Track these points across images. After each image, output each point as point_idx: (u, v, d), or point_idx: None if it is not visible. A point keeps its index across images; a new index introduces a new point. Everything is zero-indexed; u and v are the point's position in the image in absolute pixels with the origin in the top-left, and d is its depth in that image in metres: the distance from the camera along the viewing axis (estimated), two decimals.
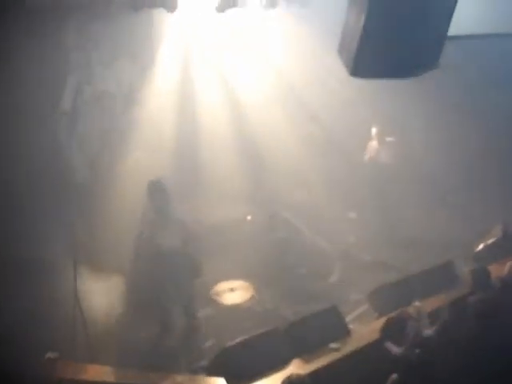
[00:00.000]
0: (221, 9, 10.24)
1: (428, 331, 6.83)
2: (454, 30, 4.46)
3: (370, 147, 12.72)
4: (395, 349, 6.67)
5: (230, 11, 10.43)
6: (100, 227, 10.76)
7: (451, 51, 4.90)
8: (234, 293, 9.31)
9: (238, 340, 7.03)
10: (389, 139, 12.50)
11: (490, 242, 9.82)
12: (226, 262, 10.71)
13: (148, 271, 8.78)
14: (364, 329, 7.90)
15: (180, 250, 8.66)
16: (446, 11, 4.28)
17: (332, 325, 7.59)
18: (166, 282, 8.68)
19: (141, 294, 9.40)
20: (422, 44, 4.23)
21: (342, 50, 4.22)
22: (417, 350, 6.48)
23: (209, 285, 9.59)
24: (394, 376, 6.35)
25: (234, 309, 9.16)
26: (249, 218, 12.16)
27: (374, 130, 12.63)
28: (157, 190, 8.80)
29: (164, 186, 8.88)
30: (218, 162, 12.37)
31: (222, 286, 9.54)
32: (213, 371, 6.63)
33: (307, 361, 6.96)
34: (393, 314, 7.28)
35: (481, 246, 9.81)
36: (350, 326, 7.83)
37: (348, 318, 8.80)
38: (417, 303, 7.34)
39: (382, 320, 7.44)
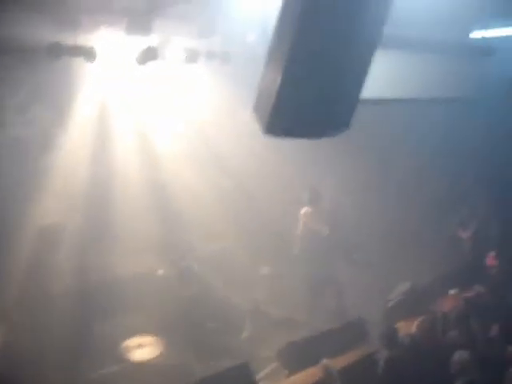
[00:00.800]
0: (141, 61, 10.27)
1: None
2: (366, 93, 4.65)
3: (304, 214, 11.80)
4: None
5: (150, 63, 10.50)
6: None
7: (364, 113, 5.10)
8: (142, 349, 9.06)
9: None
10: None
11: (399, 298, 10.00)
12: (136, 316, 10.46)
13: None
14: None
15: None
16: (359, 75, 4.46)
17: (242, 382, 7.49)
18: None
19: None
20: (334, 106, 4.37)
21: (257, 107, 4.29)
22: None
23: (117, 341, 9.31)
24: None
25: (143, 365, 8.90)
26: (160, 271, 11.96)
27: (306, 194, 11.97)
28: None
29: None
30: (131, 212, 12.22)
31: (131, 341, 9.27)
32: None
33: None
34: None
35: (390, 303, 9.99)
36: None
37: (259, 376, 8.72)
38: (325, 361, 7.36)
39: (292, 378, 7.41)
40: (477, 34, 9.61)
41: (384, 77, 6.73)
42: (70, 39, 10.21)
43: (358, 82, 4.48)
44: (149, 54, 10.14)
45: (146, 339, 9.37)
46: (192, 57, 11.24)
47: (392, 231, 12.21)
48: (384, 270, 11.57)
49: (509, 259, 10.03)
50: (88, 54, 10.57)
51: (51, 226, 11.24)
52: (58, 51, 10.19)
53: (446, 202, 12.19)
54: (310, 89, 4.07)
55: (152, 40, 10.29)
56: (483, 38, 9.21)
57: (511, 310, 9.09)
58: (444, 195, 12.44)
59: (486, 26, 9.22)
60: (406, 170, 12.95)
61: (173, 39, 11.33)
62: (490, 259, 10.17)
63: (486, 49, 9.04)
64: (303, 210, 11.36)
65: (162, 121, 13.28)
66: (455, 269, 10.80)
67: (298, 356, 8.18)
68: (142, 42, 10.15)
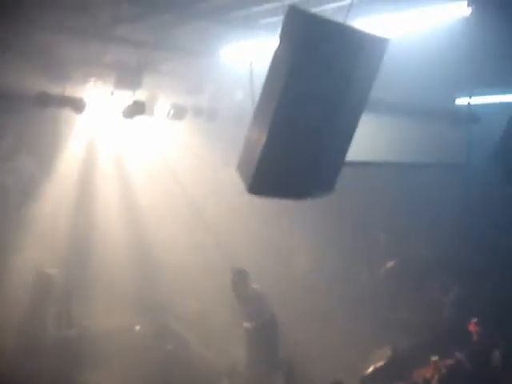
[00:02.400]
0: (128, 115, 10.29)
1: None
2: (352, 155, 4.65)
3: None
4: None
5: (137, 118, 10.53)
6: None
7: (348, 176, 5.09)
8: None
9: None
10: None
11: (378, 365, 9.81)
12: (110, 373, 10.16)
13: None
14: None
15: None
16: (344, 139, 4.47)
17: None
18: None
19: None
20: (319, 168, 4.35)
21: (241, 166, 4.26)
22: None
23: None
24: None
25: None
26: (137, 327, 11.71)
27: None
28: None
29: None
30: (111, 266, 12.09)
31: None
32: None
33: None
34: None
35: (370, 369, 9.79)
36: None
37: None
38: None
39: None
40: (462, 101, 9.78)
41: (370, 140, 6.78)
42: (58, 90, 10.27)
43: (343, 146, 4.49)
44: (136, 109, 10.17)
45: None
46: (179, 113, 11.32)
47: (370, 294, 12.07)
48: (361, 335, 11.38)
49: (491, 326, 9.96)
50: (76, 105, 10.61)
51: (45, 276, 11.03)
52: (46, 101, 10.23)
53: (427, 266, 12.14)
54: (294, 151, 4.06)
55: (140, 95, 10.34)
56: (468, 105, 9.37)
57: (491, 378, 8.96)
58: (425, 259, 12.41)
59: (470, 94, 9.40)
60: (387, 233, 12.94)
61: (161, 95, 11.43)
62: (472, 325, 10.08)
63: (472, 116, 9.18)
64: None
65: (146, 175, 13.28)
66: (436, 335, 10.67)
67: None
68: (130, 96, 10.19)
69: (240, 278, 10.56)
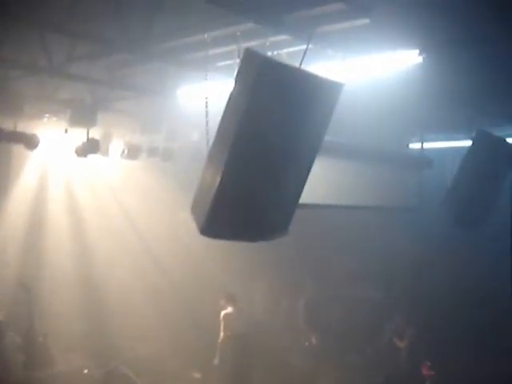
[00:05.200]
0: (81, 153, 10.15)
1: None
2: (306, 198, 4.64)
3: (224, 317, 10.93)
4: None
5: (91, 157, 10.40)
6: None
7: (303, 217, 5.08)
8: None
9: None
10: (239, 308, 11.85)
11: None
12: None
13: None
14: None
15: None
16: (297, 183, 4.46)
17: None
18: None
19: None
20: (272, 211, 4.33)
21: (194, 208, 4.21)
22: None
23: None
24: None
25: None
26: (85, 371, 11.34)
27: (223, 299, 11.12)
28: None
29: None
30: (59, 307, 11.79)
31: None
32: None
33: None
34: None
35: None
36: None
37: None
38: None
39: None
40: (415, 146, 9.97)
41: (323, 183, 6.81)
42: (11, 125, 10.08)
43: (298, 188, 4.48)
44: (90, 147, 10.05)
45: None
46: (133, 152, 11.22)
47: (324, 337, 11.99)
48: (322, 376, 11.27)
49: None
50: (29, 141, 10.39)
51: None
52: None
53: (381, 309, 12.17)
54: (248, 193, 4.04)
55: (94, 133, 10.23)
56: (421, 150, 9.56)
57: None
58: (379, 302, 12.45)
59: (423, 139, 9.60)
60: (341, 273, 12.97)
61: (115, 133, 11.34)
62: (425, 369, 10.10)
63: (424, 160, 9.35)
64: (223, 313, 11.03)
65: (99, 214, 13.11)
66: (392, 379, 10.65)
67: None
68: (84, 133, 10.07)
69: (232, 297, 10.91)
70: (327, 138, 4.53)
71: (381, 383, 10.71)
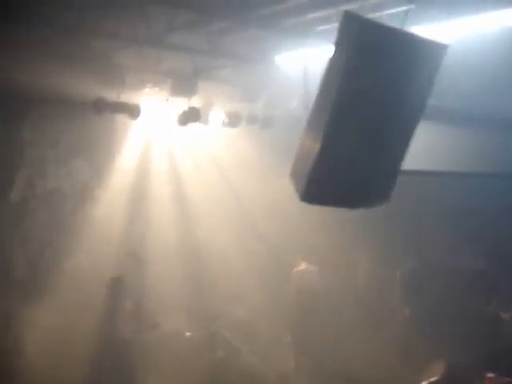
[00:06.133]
0: (182, 122, 10.36)
1: None
2: (408, 164, 4.51)
3: (294, 274, 11.83)
4: None
5: (191, 125, 10.59)
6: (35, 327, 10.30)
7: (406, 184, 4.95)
8: None
9: None
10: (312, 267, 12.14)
11: (432, 380, 9.54)
12: (160, 381, 10.20)
13: None
14: None
15: None
16: (400, 148, 4.34)
17: None
18: None
19: None
20: (373, 176, 4.23)
21: (293, 174, 4.18)
22: None
23: None
24: None
25: None
26: (188, 334, 11.73)
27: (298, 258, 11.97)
28: None
29: None
30: (162, 272, 12.14)
31: None
32: None
33: None
34: None
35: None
36: None
37: None
38: None
39: None
40: None
41: (426, 149, 6.61)
42: (114, 96, 10.44)
43: (399, 155, 4.35)
44: (190, 116, 10.24)
45: None
46: (234, 121, 11.32)
47: (428, 308, 11.78)
48: (415, 347, 11.12)
49: None
50: (132, 111, 10.77)
51: (115, 279, 11.16)
52: (102, 107, 10.42)
53: (486, 281, 11.79)
54: (348, 158, 3.97)
55: (195, 102, 10.40)
56: None
57: None
58: (483, 274, 12.05)
59: None
60: (443, 244, 12.62)
61: (215, 102, 11.46)
62: None
63: None
64: (294, 269, 11.38)
65: (200, 181, 13.32)
66: (493, 351, 10.33)
67: None
68: (185, 103, 10.25)
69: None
70: (431, 101, 4.36)
71: (480, 356, 10.41)
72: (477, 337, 10.85)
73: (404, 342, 11.25)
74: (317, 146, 3.85)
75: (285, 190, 4.55)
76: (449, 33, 6.01)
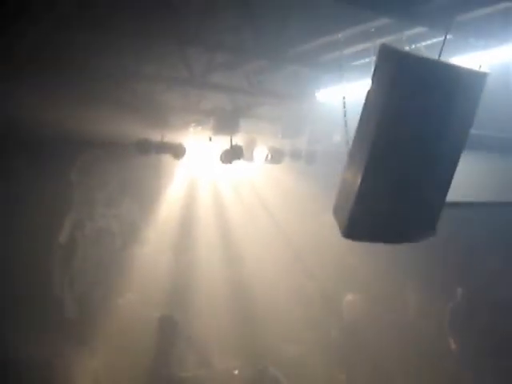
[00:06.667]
0: (225, 160, 10.44)
1: None
2: (453, 196, 4.43)
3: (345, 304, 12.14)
4: None
5: (235, 163, 10.65)
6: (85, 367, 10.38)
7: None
8: None
9: None
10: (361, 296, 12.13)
11: None
12: None
13: None
14: None
15: None
16: (444, 179, 4.26)
17: None
18: None
19: None
20: (418, 210, 4.17)
21: (336, 210, 4.15)
22: None
23: None
24: None
25: None
26: (236, 371, 11.62)
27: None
28: None
29: None
30: (210, 309, 12.12)
31: None
32: None
33: None
34: None
35: None
36: None
37: None
38: None
39: None
40: None
41: (469, 180, 6.49)
42: (158, 136, 10.62)
43: (443, 186, 4.28)
44: (233, 154, 10.31)
45: None
46: (277, 157, 11.35)
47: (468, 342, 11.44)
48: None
49: None
50: (176, 150, 10.93)
51: (166, 318, 11.23)
52: (148, 147, 10.62)
53: None
54: (389, 193, 3.91)
55: (238, 139, 10.48)
56: None
57: None
58: None
59: None
60: (491, 274, 12.29)
61: (258, 139, 11.53)
62: None
63: None
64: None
65: (245, 220, 13.34)
66: None
67: None
68: (227, 141, 10.34)
69: None
70: (473, 131, 4.30)
71: None
72: None
73: (455, 376, 10.92)
74: (357, 181, 3.82)
75: (331, 225, 4.49)
76: (487, 60, 5.94)
